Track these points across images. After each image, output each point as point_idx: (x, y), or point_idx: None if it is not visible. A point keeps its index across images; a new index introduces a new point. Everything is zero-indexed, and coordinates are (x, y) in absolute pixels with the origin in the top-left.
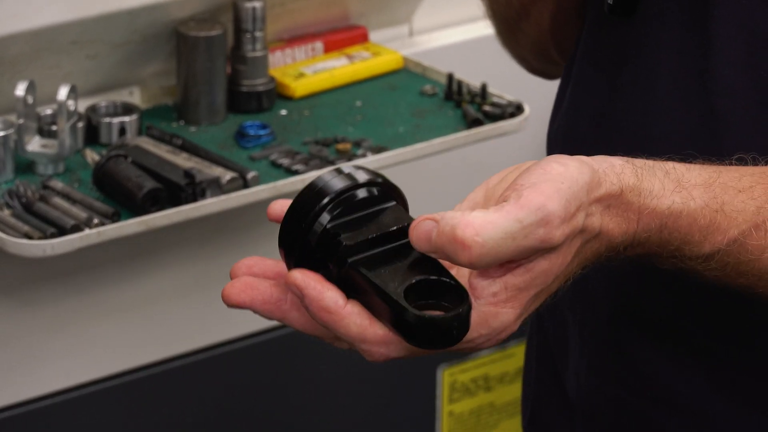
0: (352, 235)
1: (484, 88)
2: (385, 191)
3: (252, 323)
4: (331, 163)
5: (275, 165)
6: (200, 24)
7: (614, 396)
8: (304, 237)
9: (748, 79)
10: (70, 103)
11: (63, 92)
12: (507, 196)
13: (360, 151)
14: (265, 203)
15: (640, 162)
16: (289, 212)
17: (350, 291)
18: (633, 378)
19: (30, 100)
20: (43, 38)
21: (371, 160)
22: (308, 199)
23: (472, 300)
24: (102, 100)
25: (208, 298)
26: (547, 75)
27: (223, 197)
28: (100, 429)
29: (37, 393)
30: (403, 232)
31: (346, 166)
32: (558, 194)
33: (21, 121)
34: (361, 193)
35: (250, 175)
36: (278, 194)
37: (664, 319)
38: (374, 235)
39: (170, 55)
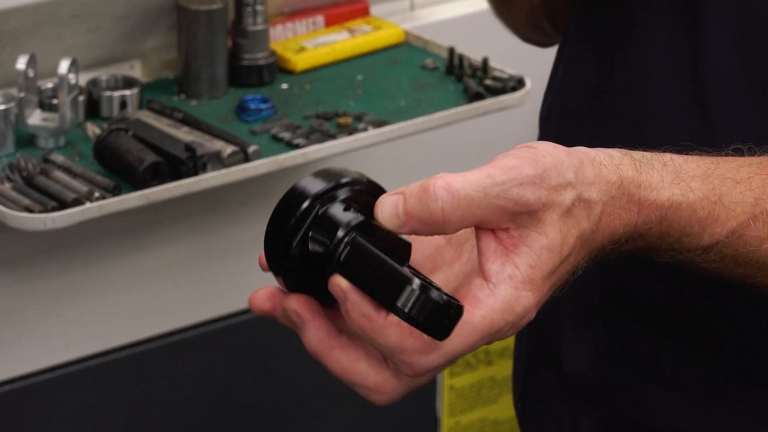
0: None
1: (485, 62)
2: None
3: None
4: (332, 137)
5: (276, 139)
6: None
7: (610, 372)
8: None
9: (738, 61)
10: (71, 77)
11: (64, 66)
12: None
13: (361, 125)
14: (266, 177)
15: (637, 154)
16: (272, 223)
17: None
18: (626, 353)
19: (31, 73)
20: (45, 11)
21: (372, 134)
22: (288, 206)
23: (493, 287)
24: (103, 74)
25: (209, 272)
26: (541, 44)
27: (224, 171)
28: (99, 403)
29: (37, 367)
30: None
31: (302, 183)
32: (534, 163)
33: (22, 94)
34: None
35: (251, 148)
36: (279, 168)
37: (654, 298)
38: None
39: (171, 29)
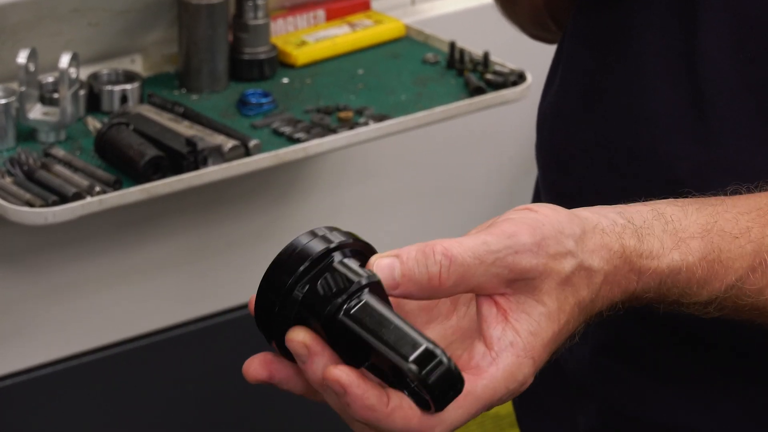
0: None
1: (486, 56)
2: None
3: (252, 292)
4: (333, 131)
5: (277, 133)
6: None
7: (608, 367)
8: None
9: (734, 62)
10: (72, 71)
11: (65, 60)
12: (485, 226)
13: (362, 120)
14: (266, 171)
15: (638, 219)
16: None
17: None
18: (624, 349)
19: (32, 67)
20: (45, 6)
21: (373, 129)
22: (282, 267)
23: (496, 355)
24: (104, 68)
25: (210, 266)
26: (549, 41)
27: (224, 165)
28: (100, 398)
29: (38, 361)
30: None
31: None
32: (533, 230)
33: (23, 88)
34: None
35: (252, 143)
36: (280, 162)
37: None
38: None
39: (172, 23)
